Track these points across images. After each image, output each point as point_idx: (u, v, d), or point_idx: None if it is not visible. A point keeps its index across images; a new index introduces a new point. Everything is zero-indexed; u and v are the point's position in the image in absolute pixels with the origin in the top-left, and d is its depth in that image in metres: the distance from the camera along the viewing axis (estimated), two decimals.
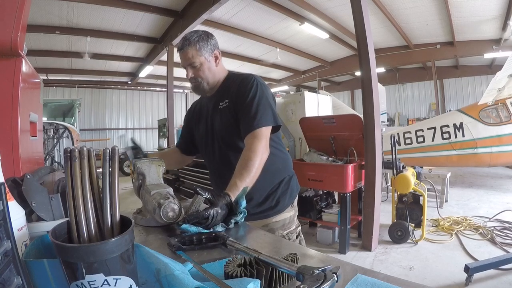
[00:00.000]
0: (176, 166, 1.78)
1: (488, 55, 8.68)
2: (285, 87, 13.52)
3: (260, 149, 1.10)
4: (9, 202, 0.45)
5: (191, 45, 1.19)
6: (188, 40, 1.19)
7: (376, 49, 6.88)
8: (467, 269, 2.26)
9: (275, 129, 1.22)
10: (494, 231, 3.28)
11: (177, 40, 6.91)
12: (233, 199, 0.92)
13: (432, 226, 3.60)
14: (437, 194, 3.93)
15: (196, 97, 1.44)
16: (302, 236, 1.35)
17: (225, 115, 1.24)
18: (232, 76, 1.32)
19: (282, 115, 4.25)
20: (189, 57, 1.20)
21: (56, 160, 4.61)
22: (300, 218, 3.46)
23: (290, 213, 1.31)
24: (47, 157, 4.41)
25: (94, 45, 7.81)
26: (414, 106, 13.59)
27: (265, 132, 1.15)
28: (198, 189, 0.85)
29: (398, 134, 5.77)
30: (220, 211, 0.84)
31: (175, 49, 7.68)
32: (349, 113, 4.93)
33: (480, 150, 5.11)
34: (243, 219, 0.92)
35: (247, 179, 1.03)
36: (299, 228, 1.35)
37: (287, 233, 1.27)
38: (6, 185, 0.45)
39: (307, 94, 4.19)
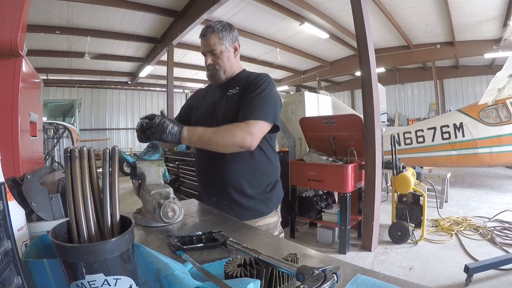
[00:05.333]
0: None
1: (488, 55, 8.67)
2: (285, 87, 13.52)
3: (240, 136, 1.07)
4: (9, 202, 0.45)
5: (215, 33, 1.23)
6: (212, 28, 1.23)
7: (376, 49, 6.88)
8: (467, 269, 2.26)
9: (272, 130, 1.20)
10: (494, 231, 3.28)
11: (177, 40, 6.91)
12: (184, 133, 1.02)
13: (432, 226, 3.60)
14: (437, 194, 3.93)
15: None
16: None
17: (232, 101, 1.24)
18: (247, 72, 1.36)
19: (282, 115, 4.24)
20: (210, 44, 1.23)
21: (56, 160, 4.60)
22: (300, 218, 3.50)
23: (274, 219, 1.30)
24: (47, 157, 4.41)
25: (94, 45, 7.81)
26: (414, 106, 13.59)
27: (261, 126, 1.11)
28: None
29: (398, 134, 5.77)
30: (165, 123, 1.00)
31: (175, 49, 7.62)
32: (349, 113, 4.92)
33: (480, 150, 5.10)
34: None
35: (201, 141, 1.07)
36: (282, 234, 1.35)
37: None
38: (6, 185, 0.45)
39: (307, 94, 4.18)
